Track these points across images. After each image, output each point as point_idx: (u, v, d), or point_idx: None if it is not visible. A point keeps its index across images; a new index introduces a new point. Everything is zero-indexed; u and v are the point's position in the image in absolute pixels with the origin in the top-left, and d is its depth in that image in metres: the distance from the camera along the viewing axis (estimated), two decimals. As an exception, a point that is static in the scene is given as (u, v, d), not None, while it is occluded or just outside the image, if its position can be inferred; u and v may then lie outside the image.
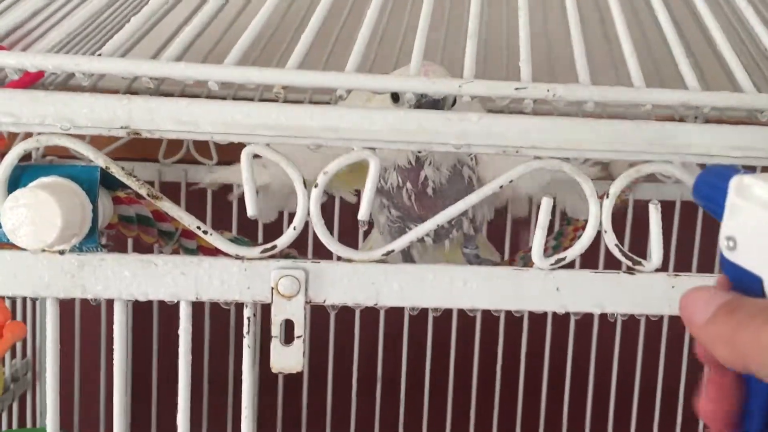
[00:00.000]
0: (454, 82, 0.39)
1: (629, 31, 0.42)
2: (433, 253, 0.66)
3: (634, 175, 0.40)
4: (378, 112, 0.38)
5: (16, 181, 0.37)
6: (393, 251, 0.40)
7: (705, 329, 0.26)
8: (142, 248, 0.62)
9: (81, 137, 0.37)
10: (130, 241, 0.71)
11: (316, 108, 0.37)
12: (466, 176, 0.57)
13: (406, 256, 0.64)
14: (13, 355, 0.80)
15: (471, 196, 0.40)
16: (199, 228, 0.38)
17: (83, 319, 0.83)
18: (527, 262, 0.71)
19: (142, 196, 0.38)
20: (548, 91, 0.39)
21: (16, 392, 0.79)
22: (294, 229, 0.39)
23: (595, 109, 0.41)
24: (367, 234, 0.75)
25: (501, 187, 0.40)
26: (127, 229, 0.43)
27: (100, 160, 0.37)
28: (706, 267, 0.81)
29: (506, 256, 0.82)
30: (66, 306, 0.77)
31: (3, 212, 0.36)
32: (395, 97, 0.52)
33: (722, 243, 0.27)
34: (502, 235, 0.83)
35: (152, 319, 0.84)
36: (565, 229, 0.74)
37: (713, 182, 0.29)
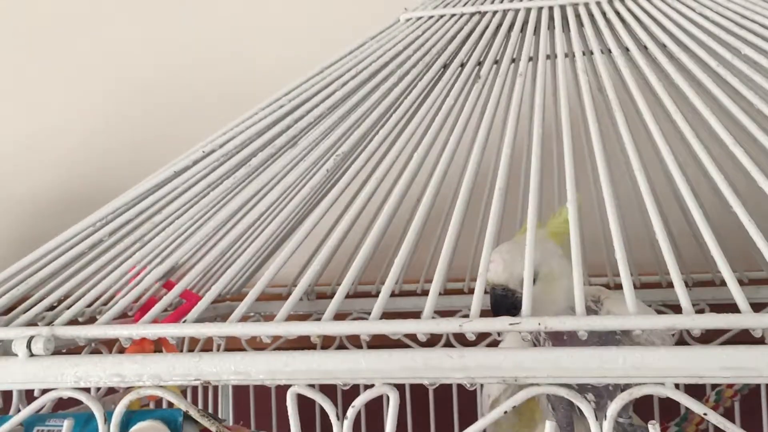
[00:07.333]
0: (455, 321, 0.45)
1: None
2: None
3: (627, 398, 0.43)
4: (391, 354, 0.45)
5: (125, 424, 0.49)
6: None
7: None
8: None
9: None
10: None
11: (340, 354, 0.46)
12: None
13: None
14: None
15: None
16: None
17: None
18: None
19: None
20: (539, 324, 0.44)
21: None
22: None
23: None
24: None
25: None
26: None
27: (182, 405, 0.48)
28: None
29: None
30: None
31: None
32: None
33: None
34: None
35: None
36: (689, 414, 0.73)
37: None
